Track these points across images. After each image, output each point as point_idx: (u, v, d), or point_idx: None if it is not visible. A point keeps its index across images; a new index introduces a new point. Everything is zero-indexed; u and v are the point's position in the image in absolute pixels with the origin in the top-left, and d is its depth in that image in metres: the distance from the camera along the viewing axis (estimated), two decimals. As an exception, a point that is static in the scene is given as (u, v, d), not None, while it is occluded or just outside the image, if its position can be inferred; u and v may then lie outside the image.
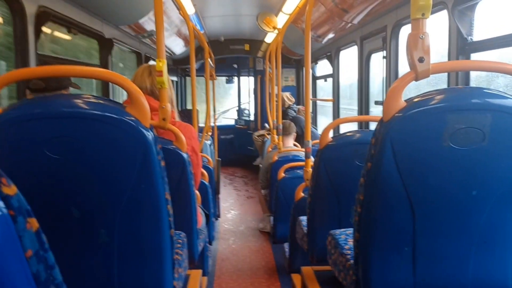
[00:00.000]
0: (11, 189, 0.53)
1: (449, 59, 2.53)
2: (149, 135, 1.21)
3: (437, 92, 1.21)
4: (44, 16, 2.58)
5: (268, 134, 5.91)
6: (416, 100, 1.20)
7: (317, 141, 3.72)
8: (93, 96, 1.28)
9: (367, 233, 1.33)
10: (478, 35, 2.45)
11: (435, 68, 1.19)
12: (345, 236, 1.73)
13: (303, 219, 2.54)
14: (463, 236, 1.29)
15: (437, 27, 2.72)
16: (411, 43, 1.17)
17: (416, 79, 1.19)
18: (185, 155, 1.89)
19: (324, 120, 6.98)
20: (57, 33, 3.19)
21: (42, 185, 1.21)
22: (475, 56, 2.44)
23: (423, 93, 1.23)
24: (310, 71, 2.84)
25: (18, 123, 1.20)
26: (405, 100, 1.21)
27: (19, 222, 0.53)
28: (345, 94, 5.53)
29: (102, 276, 1.29)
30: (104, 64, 3.79)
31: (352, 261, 1.50)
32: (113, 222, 1.25)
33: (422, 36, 1.16)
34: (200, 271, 2.24)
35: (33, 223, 0.56)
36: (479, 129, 1.16)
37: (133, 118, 1.20)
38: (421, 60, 1.16)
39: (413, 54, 1.17)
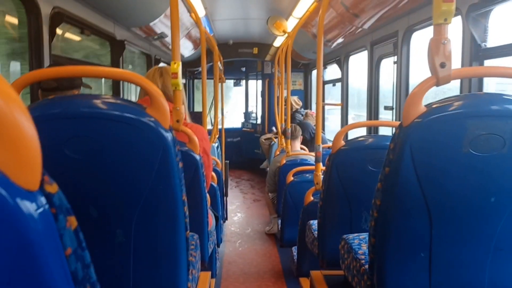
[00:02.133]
0: (53, 187, 0.54)
1: (462, 66, 2.52)
2: (169, 136, 1.21)
3: (457, 98, 1.21)
4: (58, 17, 2.60)
5: (275, 137, 5.91)
6: (435, 105, 1.20)
7: (326, 145, 3.72)
8: (112, 96, 1.29)
9: (383, 238, 1.33)
10: (492, 41, 2.45)
11: (457, 73, 1.19)
12: (359, 241, 1.72)
13: (313, 223, 2.53)
14: (480, 243, 1.28)
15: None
16: (433, 48, 1.16)
17: (437, 85, 1.19)
18: (198, 157, 1.90)
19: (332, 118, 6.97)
20: (70, 34, 3.21)
21: (60, 185, 1.21)
22: (488, 63, 2.43)
23: (443, 99, 1.22)
24: (322, 75, 2.84)
25: (37, 123, 1.20)
26: (425, 106, 1.21)
27: (60, 220, 0.53)
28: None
29: (117, 276, 1.29)
30: (115, 65, 3.81)
31: (366, 266, 1.50)
32: (130, 222, 1.25)
33: (444, 42, 1.16)
34: (209, 273, 2.24)
35: (72, 222, 0.56)
36: (499, 135, 1.15)
37: (152, 119, 1.20)
38: (442, 65, 1.16)
39: (434, 59, 1.16)
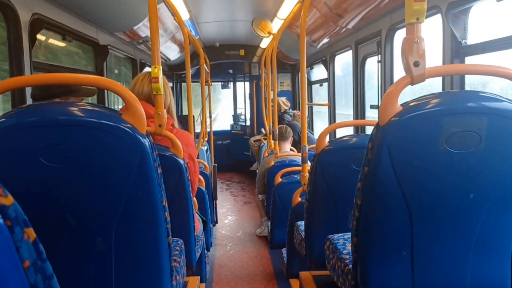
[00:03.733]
0: (8, 199, 0.52)
1: (443, 63, 2.54)
2: (146, 142, 1.20)
3: (433, 96, 1.22)
4: (39, 23, 2.57)
5: (265, 139, 5.91)
6: (412, 104, 1.21)
7: (314, 145, 3.73)
8: (88, 103, 1.28)
9: (365, 237, 1.33)
10: (472, 38, 2.47)
11: (431, 72, 1.19)
12: (343, 241, 1.73)
13: (301, 224, 2.53)
14: (461, 240, 1.29)
15: (431, 32, 2.73)
16: (406, 48, 1.17)
17: (412, 84, 1.20)
18: (181, 162, 1.89)
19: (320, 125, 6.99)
20: (52, 40, 3.18)
21: (37, 194, 1.20)
22: (469, 60, 2.45)
23: (419, 97, 1.23)
24: (306, 76, 2.85)
25: (13, 131, 1.19)
26: (401, 105, 1.21)
27: (16, 232, 0.52)
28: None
29: (99, 285, 1.28)
30: (99, 71, 3.78)
31: (350, 266, 1.50)
32: (110, 230, 1.24)
33: (417, 41, 1.16)
34: (198, 278, 2.23)
35: (30, 233, 0.55)
36: (475, 132, 1.16)
37: (129, 125, 1.19)
38: (416, 64, 1.17)
39: (408, 58, 1.17)
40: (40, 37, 2.70)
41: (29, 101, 2.45)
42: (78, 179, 1.20)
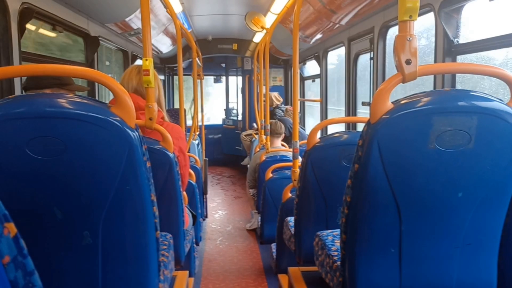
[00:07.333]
0: None
1: (435, 61, 2.55)
2: (134, 135, 1.19)
3: (424, 94, 1.22)
4: (28, 13, 2.53)
5: (256, 134, 5.91)
6: (403, 102, 1.21)
7: (305, 141, 3.73)
8: (77, 95, 1.26)
9: (353, 234, 1.33)
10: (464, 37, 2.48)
11: (422, 70, 1.19)
12: (332, 237, 1.73)
13: (291, 219, 2.54)
14: (449, 238, 1.30)
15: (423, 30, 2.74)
16: (399, 45, 1.17)
17: (404, 81, 1.19)
18: (171, 155, 1.87)
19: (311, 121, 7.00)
20: (41, 31, 3.13)
21: (24, 186, 1.18)
22: (461, 59, 2.46)
23: (410, 95, 1.23)
24: (298, 71, 2.85)
25: None
26: (392, 102, 1.21)
27: None
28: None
29: (85, 279, 1.26)
30: (90, 62, 3.73)
31: (339, 263, 1.50)
32: (97, 224, 1.22)
33: (409, 38, 1.16)
34: (186, 272, 2.22)
35: (11, 228, 0.54)
36: (465, 131, 1.16)
37: (117, 118, 1.17)
38: (408, 62, 1.17)
39: (400, 56, 1.17)
40: (29, 27, 2.66)
41: (17, 91, 2.42)
42: (65, 172, 1.18)
